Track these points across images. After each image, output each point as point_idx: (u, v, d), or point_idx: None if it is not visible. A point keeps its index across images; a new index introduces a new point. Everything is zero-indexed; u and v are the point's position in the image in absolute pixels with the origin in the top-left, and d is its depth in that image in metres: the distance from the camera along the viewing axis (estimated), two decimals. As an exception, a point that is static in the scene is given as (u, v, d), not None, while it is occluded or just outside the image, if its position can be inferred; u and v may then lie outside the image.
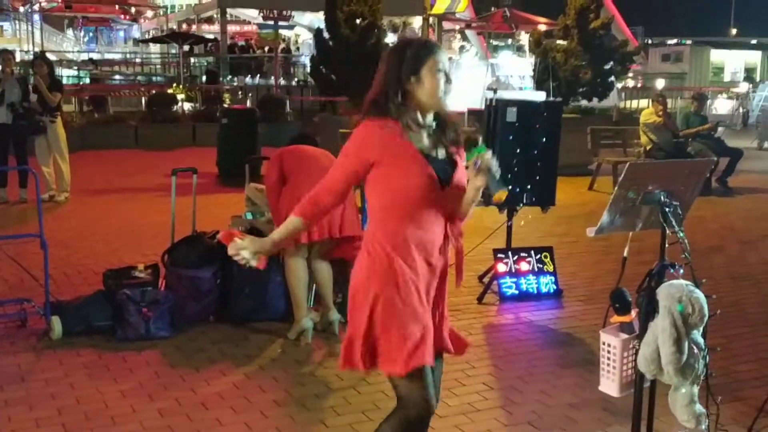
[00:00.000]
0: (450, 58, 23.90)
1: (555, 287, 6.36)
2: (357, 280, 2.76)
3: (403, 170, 2.64)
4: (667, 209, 2.55)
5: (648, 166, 2.62)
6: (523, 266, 6.32)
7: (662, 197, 2.56)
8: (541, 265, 6.38)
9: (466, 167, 2.66)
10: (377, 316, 2.70)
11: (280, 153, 5.38)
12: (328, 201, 2.76)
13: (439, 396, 2.89)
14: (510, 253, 6.36)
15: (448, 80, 2.67)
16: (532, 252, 6.42)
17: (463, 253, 2.88)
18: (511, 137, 6.20)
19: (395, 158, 2.64)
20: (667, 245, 2.66)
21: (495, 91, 6.74)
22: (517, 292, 6.25)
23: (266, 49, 27.93)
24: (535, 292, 6.29)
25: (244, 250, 2.70)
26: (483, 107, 7.45)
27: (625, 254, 2.75)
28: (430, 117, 2.73)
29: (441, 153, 2.71)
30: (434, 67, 2.64)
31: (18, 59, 15.84)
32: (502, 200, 2.52)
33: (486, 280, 6.52)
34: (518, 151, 6.21)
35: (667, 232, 2.59)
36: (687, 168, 2.72)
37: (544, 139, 6.27)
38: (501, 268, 6.28)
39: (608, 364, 2.71)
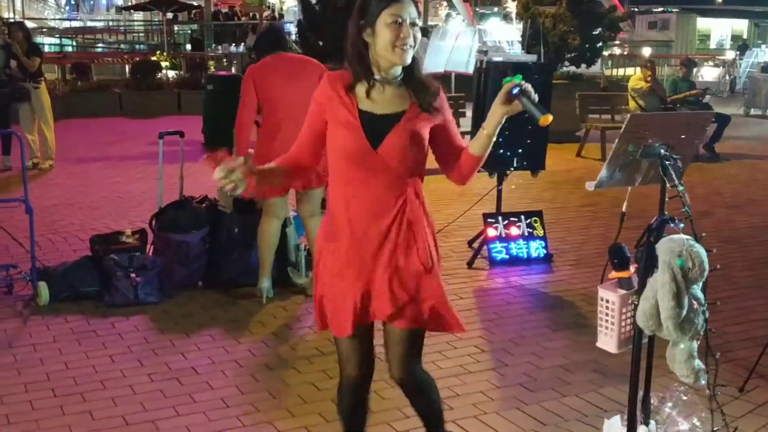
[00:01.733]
0: (435, 25, 23.53)
1: (545, 251, 6.34)
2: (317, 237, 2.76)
3: (335, 130, 2.56)
4: (667, 162, 2.51)
5: (649, 118, 2.58)
6: (513, 231, 6.29)
7: (662, 150, 2.53)
8: (531, 230, 6.36)
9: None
10: (318, 276, 2.71)
11: (250, 73, 5.08)
12: (302, 157, 2.67)
13: (399, 364, 2.71)
14: (500, 217, 6.33)
15: (408, 33, 2.46)
16: (522, 217, 6.40)
17: (421, 223, 2.62)
18: (501, 100, 6.13)
19: (335, 116, 2.55)
20: (666, 199, 2.62)
21: (486, 53, 6.65)
22: (507, 256, 6.23)
23: (251, 15, 27.59)
24: (525, 256, 6.28)
25: (234, 173, 2.41)
26: (472, 72, 7.38)
27: (623, 209, 2.71)
28: (393, 72, 2.55)
29: (384, 111, 2.54)
30: (389, 19, 2.45)
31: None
32: (549, 122, 2.30)
33: (476, 245, 6.49)
34: (509, 114, 6.14)
35: (667, 186, 2.56)
36: (687, 120, 2.68)
37: (535, 102, 6.21)
38: (491, 232, 6.26)
39: (606, 320, 2.68)
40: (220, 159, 2.42)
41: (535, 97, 2.37)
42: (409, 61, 2.51)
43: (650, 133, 2.51)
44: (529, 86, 2.38)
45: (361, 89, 2.57)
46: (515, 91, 2.37)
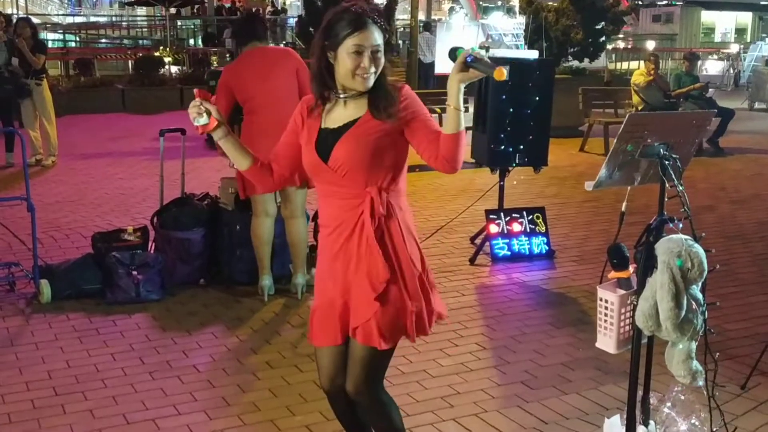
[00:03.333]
0: (439, 19, 23.51)
1: (547, 248, 6.33)
2: None
3: (303, 148, 2.60)
4: (666, 162, 2.50)
5: (648, 117, 2.56)
6: (516, 227, 6.28)
7: (662, 150, 2.52)
8: (534, 226, 6.35)
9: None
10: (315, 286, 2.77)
11: (225, 76, 5.08)
12: (276, 161, 2.70)
13: (353, 380, 2.64)
14: (502, 214, 6.32)
15: (369, 63, 2.43)
16: (524, 213, 6.39)
17: (382, 233, 2.54)
18: (503, 97, 6.13)
19: (302, 136, 2.61)
20: (666, 199, 2.61)
21: (487, 49, 6.63)
22: (509, 253, 6.22)
23: (255, 11, 27.56)
24: (528, 252, 6.27)
25: (205, 107, 2.53)
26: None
27: (623, 209, 2.70)
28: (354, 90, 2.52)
29: (339, 124, 2.52)
30: (351, 48, 2.42)
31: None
32: (504, 77, 2.24)
33: (478, 241, 6.49)
34: (511, 110, 6.14)
35: (666, 185, 2.55)
36: (687, 120, 2.67)
37: (537, 98, 6.20)
38: (493, 229, 6.25)
39: (605, 321, 2.68)
40: (204, 95, 2.56)
41: (487, 60, 2.36)
42: (370, 86, 2.49)
43: (649, 133, 2.50)
44: (480, 52, 2.37)
45: (330, 107, 2.59)
46: (469, 59, 2.34)
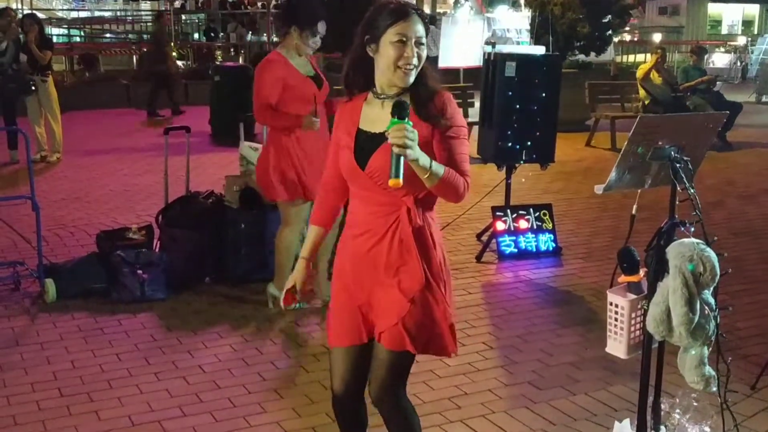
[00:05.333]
0: (444, 12, 23.32)
1: (554, 245, 6.30)
2: None
3: (341, 149, 2.56)
4: (677, 165, 2.46)
5: (659, 120, 2.52)
6: (522, 224, 6.25)
7: (673, 152, 2.47)
8: (540, 223, 6.31)
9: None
10: (332, 286, 2.74)
11: (273, 70, 4.63)
12: (332, 197, 2.70)
13: (377, 384, 2.61)
14: (509, 211, 6.28)
15: (413, 53, 2.39)
16: (531, 210, 6.35)
17: (411, 244, 2.49)
18: (510, 93, 6.08)
19: (340, 139, 2.57)
20: (677, 202, 2.57)
21: (493, 45, 6.58)
22: (516, 250, 6.19)
23: (259, 5, 27.48)
24: (534, 250, 6.23)
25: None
26: (480, 64, 7.31)
27: (633, 212, 2.66)
28: (394, 88, 2.47)
29: (380, 129, 2.43)
30: (394, 37, 2.38)
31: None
32: (398, 186, 2.21)
33: (484, 238, 6.45)
34: (518, 106, 6.10)
35: (678, 188, 2.51)
36: (698, 121, 2.62)
37: (544, 94, 6.15)
38: (500, 226, 6.21)
39: (615, 326, 2.64)
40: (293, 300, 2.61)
41: (406, 153, 2.22)
42: (411, 81, 2.44)
43: (660, 135, 2.46)
44: (395, 139, 2.22)
45: (366, 109, 2.54)
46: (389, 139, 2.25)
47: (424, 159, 2.29)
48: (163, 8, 25.28)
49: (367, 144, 2.48)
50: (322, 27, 4.70)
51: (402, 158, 2.23)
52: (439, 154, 2.44)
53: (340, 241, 2.71)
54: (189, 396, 3.88)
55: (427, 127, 2.44)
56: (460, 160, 2.44)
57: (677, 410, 2.83)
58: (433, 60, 16.67)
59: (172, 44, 18.96)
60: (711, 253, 2.43)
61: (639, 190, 2.67)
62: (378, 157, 2.43)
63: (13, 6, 27.21)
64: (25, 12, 16.11)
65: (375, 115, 2.50)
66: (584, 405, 3.83)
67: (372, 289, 2.55)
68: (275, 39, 21.91)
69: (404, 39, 2.39)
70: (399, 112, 2.26)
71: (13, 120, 9.63)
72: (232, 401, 3.83)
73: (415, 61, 2.41)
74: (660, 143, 2.47)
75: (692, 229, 2.54)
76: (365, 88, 2.55)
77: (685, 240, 2.47)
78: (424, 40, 2.43)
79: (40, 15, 17.58)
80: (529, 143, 6.19)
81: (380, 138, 2.42)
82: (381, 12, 2.44)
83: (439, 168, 2.35)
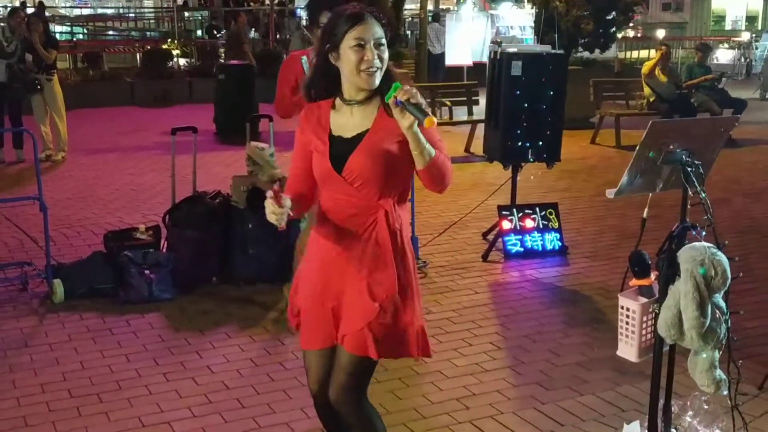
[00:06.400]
0: (447, 9, 23.27)
1: (560, 244, 6.30)
2: None
3: (314, 156, 2.58)
4: (689, 169, 2.46)
5: (670, 124, 2.53)
6: (528, 223, 6.25)
7: (684, 156, 2.48)
8: (546, 222, 6.31)
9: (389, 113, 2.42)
10: (299, 288, 2.76)
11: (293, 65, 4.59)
12: (300, 189, 2.63)
13: (337, 387, 2.64)
14: (515, 210, 6.29)
15: (373, 56, 2.42)
16: (537, 209, 6.35)
17: (387, 248, 2.52)
18: (518, 92, 6.08)
19: (313, 144, 2.58)
20: (688, 206, 2.58)
21: (500, 44, 6.58)
22: (522, 249, 6.19)
23: (262, 1, 27.48)
24: (540, 249, 6.24)
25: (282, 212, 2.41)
26: (485, 60, 7.32)
27: (644, 215, 2.67)
28: (362, 94, 2.51)
29: (352, 133, 2.52)
30: (352, 41, 2.42)
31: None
32: (434, 125, 2.29)
33: (490, 237, 6.46)
34: (525, 105, 6.10)
35: (689, 192, 2.51)
36: (709, 126, 2.63)
37: (551, 93, 6.15)
38: (506, 225, 6.21)
39: (627, 329, 2.65)
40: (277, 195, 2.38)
41: (420, 100, 2.32)
42: (376, 84, 2.47)
43: (671, 140, 2.46)
44: (407, 93, 2.32)
45: (334, 115, 2.57)
46: (398, 103, 2.33)
47: (420, 135, 2.37)
48: (166, 6, 25.30)
49: (341, 148, 2.52)
50: (325, 18, 4.69)
51: (418, 106, 2.29)
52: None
53: (308, 245, 2.72)
54: (198, 397, 3.90)
55: (395, 129, 2.45)
56: (441, 146, 2.50)
57: (688, 412, 2.84)
58: (438, 57, 16.69)
59: (176, 42, 18.99)
60: (722, 257, 2.44)
61: (650, 195, 2.68)
62: (355, 158, 2.48)
63: (17, 3, 27.24)
64: (29, 9, 16.13)
65: (345, 122, 2.55)
66: (592, 405, 3.84)
67: (342, 290, 2.57)
68: (278, 37, 21.93)
69: (362, 42, 2.43)
70: (392, 87, 2.36)
71: (18, 119, 9.65)
72: (241, 402, 3.85)
73: (377, 62, 2.44)
74: (671, 147, 2.48)
75: (704, 233, 2.55)
76: (327, 96, 2.59)
77: (697, 244, 2.48)
78: (383, 41, 2.47)
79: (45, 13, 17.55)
80: (536, 142, 6.19)
81: (355, 141, 2.50)
82: (338, 19, 2.49)
83: (431, 147, 2.41)
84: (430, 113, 2.29)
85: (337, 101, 2.58)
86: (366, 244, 2.51)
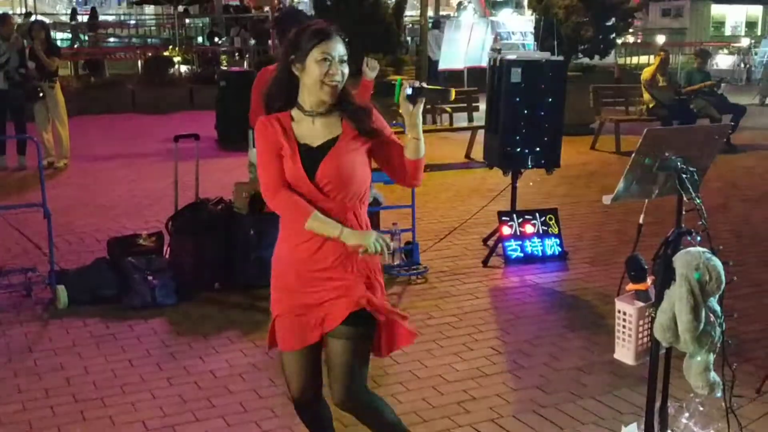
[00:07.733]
0: (448, 15, 23.35)
1: (560, 249, 6.34)
2: None
3: (285, 161, 2.66)
4: (684, 175, 2.51)
5: (666, 132, 2.58)
6: (528, 229, 6.29)
7: (679, 163, 2.53)
8: (546, 227, 6.35)
9: (400, 109, 2.62)
10: (272, 295, 2.84)
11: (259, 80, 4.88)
12: (281, 196, 2.71)
13: (339, 387, 2.76)
14: (515, 215, 6.33)
15: (337, 70, 2.59)
16: (537, 214, 6.39)
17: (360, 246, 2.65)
18: (517, 99, 6.14)
19: (285, 147, 2.66)
20: (684, 212, 2.62)
21: (499, 51, 6.64)
22: (522, 254, 6.23)
23: (265, 9, 27.57)
24: (540, 254, 6.28)
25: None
26: (485, 65, 7.38)
27: (640, 221, 2.71)
28: (323, 105, 2.66)
29: (319, 142, 2.66)
30: (319, 56, 2.57)
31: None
32: (454, 96, 2.53)
33: (491, 243, 6.50)
34: (525, 112, 6.15)
35: (684, 198, 2.56)
36: (704, 133, 2.68)
37: (550, 99, 6.20)
38: (506, 230, 6.25)
39: (623, 333, 2.69)
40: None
41: (428, 87, 2.54)
42: (334, 97, 2.63)
43: (667, 147, 2.51)
44: (416, 82, 2.56)
45: (296, 127, 2.68)
46: (410, 92, 2.53)
47: (420, 125, 2.60)
48: (167, 13, 25.39)
49: (311, 156, 2.63)
50: None
51: (434, 88, 2.53)
52: (391, 152, 2.69)
53: (277, 248, 2.80)
54: (201, 401, 3.94)
55: (366, 141, 2.67)
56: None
57: (684, 415, 2.88)
58: (434, 64, 16.69)
59: (177, 49, 19.06)
60: (717, 262, 2.48)
61: (646, 201, 2.72)
62: (327, 165, 2.62)
63: (18, 11, 27.35)
64: (25, 13, 16.18)
65: (308, 131, 2.67)
66: (591, 409, 3.88)
67: (317, 290, 2.67)
68: (279, 44, 22.01)
69: (328, 57, 2.59)
70: (396, 84, 2.57)
71: (22, 126, 9.69)
72: (244, 406, 3.89)
73: (338, 77, 2.60)
74: (667, 154, 2.53)
75: (698, 238, 2.59)
76: (285, 108, 2.70)
77: (692, 249, 2.52)
78: (345, 58, 2.63)
79: (45, 20, 17.63)
80: (536, 148, 6.24)
81: (325, 149, 2.63)
82: (305, 33, 2.62)
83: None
84: (446, 86, 2.50)
85: (295, 113, 2.70)
86: (337, 244, 2.63)
